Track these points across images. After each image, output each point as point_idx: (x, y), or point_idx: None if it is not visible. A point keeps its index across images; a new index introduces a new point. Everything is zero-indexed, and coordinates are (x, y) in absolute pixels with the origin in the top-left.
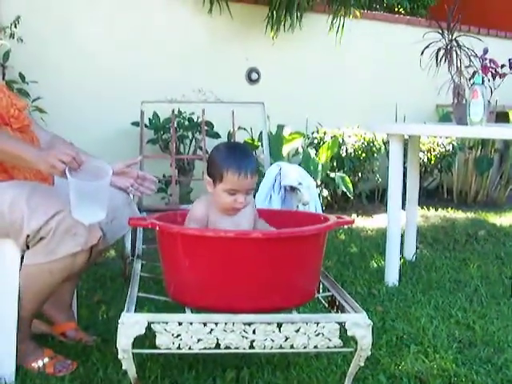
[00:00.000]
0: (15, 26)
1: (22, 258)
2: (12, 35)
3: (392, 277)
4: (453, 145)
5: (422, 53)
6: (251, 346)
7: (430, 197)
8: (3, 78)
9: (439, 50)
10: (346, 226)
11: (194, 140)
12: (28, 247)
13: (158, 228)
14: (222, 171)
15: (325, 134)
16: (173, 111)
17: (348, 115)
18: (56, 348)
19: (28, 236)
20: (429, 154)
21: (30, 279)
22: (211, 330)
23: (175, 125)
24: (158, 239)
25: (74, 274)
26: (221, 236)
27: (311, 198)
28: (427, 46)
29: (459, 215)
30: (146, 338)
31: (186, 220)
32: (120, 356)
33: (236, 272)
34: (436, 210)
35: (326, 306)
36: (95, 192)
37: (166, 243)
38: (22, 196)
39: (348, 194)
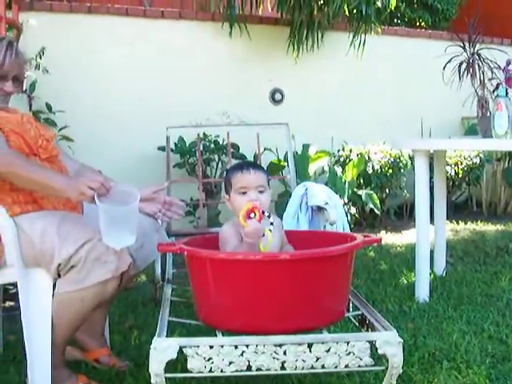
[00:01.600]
0: (40, 57)
1: (54, 285)
2: (37, 66)
3: (423, 293)
4: (480, 157)
5: (444, 67)
6: (282, 367)
7: (459, 210)
8: (30, 109)
9: (461, 63)
10: (374, 244)
11: (220, 163)
12: (59, 275)
13: (186, 253)
14: (230, 178)
15: (351, 151)
16: (198, 135)
17: (373, 132)
18: (90, 374)
19: (59, 265)
20: (456, 168)
21: (62, 307)
22: (242, 352)
23: (201, 148)
24: (188, 264)
25: (105, 301)
26: (249, 259)
27: (338, 217)
28: (449, 61)
29: (489, 228)
30: (178, 362)
31: (219, 244)
32: (153, 381)
33: (265, 294)
34: (465, 223)
35: (357, 324)
36: (124, 216)
37: (196, 268)
38: (53, 226)
39: (376, 210)
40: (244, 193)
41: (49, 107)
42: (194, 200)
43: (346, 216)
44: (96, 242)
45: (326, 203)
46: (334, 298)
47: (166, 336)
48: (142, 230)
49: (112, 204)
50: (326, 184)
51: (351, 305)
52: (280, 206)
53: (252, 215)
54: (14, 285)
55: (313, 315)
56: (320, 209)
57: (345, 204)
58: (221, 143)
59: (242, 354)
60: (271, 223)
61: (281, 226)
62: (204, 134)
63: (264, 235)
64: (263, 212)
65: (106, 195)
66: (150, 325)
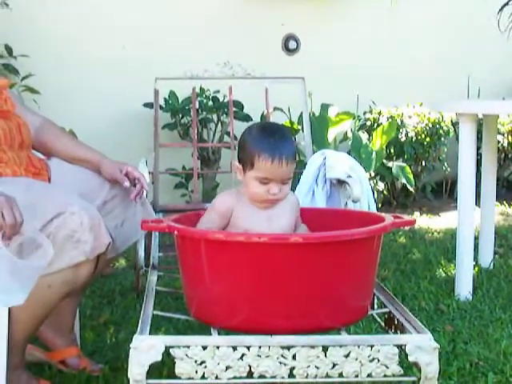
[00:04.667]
0: None
1: None
2: None
3: (464, 289)
4: None
5: (500, 12)
6: (291, 375)
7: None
8: None
9: None
10: (406, 228)
11: (219, 124)
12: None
13: (176, 232)
14: (253, 156)
15: (380, 114)
16: (193, 89)
17: (408, 91)
18: (55, 379)
19: (21, 244)
20: (510, 137)
21: None
22: (242, 355)
23: (197, 106)
24: (177, 246)
25: (76, 289)
26: (252, 242)
27: (363, 194)
28: (507, 3)
29: None
30: (164, 366)
31: (207, 210)
32: None
33: (271, 285)
34: None
35: (382, 325)
36: (27, 273)
37: (187, 251)
38: (14, 196)
39: (409, 187)
40: (265, 183)
41: (9, 50)
42: (187, 169)
43: (373, 193)
44: (68, 216)
45: (349, 176)
46: (356, 292)
47: (150, 333)
48: (123, 203)
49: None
50: (348, 153)
51: (376, 301)
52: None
53: None
54: None
55: (329, 312)
56: (341, 183)
57: (371, 178)
58: (221, 100)
59: (241, 358)
60: None
61: (295, 202)
62: (201, 88)
63: None
64: None
65: (7, 241)
66: (129, 320)
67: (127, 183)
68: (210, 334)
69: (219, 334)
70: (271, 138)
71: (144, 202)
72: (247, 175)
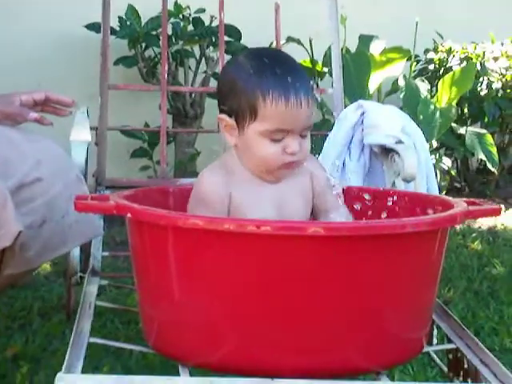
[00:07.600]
0: None
1: None
2: None
3: None
4: None
5: None
6: None
7: None
8: None
9: None
10: (484, 224)
11: (203, 60)
12: None
13: (129, 215)
14: (256, 99)
15: (449, 52)
16: (164, 3)
17: (495, 17)
18: None
19: None
20: None
21: None
22: None
23: (169, 32)
24: (131, 239)
25: None
26: (247, 232)
27: (420, 169)
28: None
29: None
30: None
31: (189, 204)
32: None
33: (276, 301)
34: None
35: (445, 369)
36: None
37: (147, 246)
38: None
39: (490, 166)
40: (278, 139)
41: None
42: (153, 127)
43: (435, 172)
44: None
45: (399, 142)
46: (405, 317)
47: (83, 371)
48: (48, 193)
49: None
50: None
51: (436, 332)
52: (313, 145)
53: None
54: None
55: (363, 345)
56: (387, 152)
57: (433, 150)
58: (207, 24)
59: None
60: None
61: (319, 168)
62: (176, 4)
63: None
64: None
65: None
66: (54, 354)
67: (34, 114)
68: (178, 375)
69: (191, 374)
70: (277, 67)
71: (80, 181)
72: (248, 132)
